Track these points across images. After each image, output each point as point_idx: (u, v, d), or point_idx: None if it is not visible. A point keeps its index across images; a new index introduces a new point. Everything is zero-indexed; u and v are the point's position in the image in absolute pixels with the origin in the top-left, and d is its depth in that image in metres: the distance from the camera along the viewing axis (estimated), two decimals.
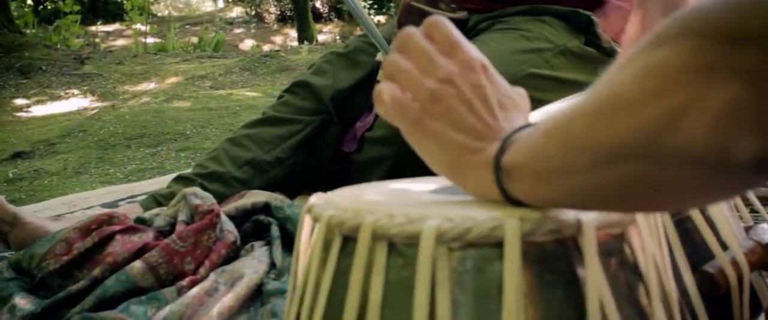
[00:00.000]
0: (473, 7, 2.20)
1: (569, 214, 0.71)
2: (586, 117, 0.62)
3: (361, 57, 2.19)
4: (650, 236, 0.81)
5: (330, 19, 15.65)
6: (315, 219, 0.82)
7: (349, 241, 0.76)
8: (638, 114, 0.57)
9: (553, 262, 0.71)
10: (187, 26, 15.29)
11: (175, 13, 17.93)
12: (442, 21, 0.84)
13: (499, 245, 0.70)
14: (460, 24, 2.11)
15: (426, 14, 2.05)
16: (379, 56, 2.09)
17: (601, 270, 0.72)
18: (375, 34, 2.04)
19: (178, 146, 3.54)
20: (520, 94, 0.82)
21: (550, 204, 0.70)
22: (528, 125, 0.75)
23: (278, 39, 14.08)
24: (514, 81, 2.00)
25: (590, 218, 0.72)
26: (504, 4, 2.17)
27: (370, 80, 2.13)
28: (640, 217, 0.79)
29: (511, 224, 0.69)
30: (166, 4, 17.90)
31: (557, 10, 2.11)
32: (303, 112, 2.12)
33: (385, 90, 0.82)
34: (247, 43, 13.99)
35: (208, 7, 18.25)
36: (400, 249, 0.72)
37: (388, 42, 2.13)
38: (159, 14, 16.32)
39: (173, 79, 6.28)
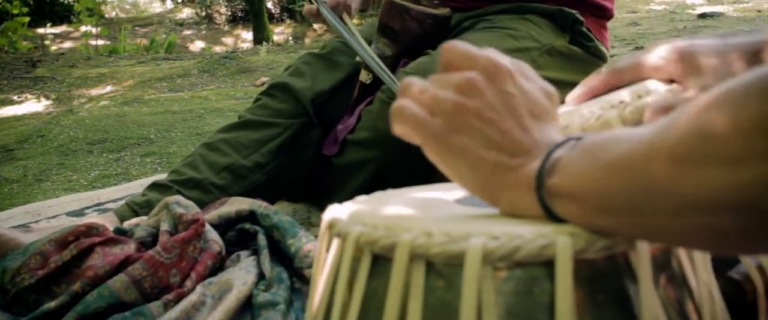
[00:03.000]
0: (456, 5, 2.16)
1: None
2: (672, 162, 0.57)
3: (340, 58, 2.14)
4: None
5: (282, 20, 15.61)
6: (340, 236, 0.76)
7: (379, 260, 0.71)
8: (743, 172, 0.52)
9: (605, 280, 0.67)
10: (136, 28, 15.18)
11: (122, 15, 17.82)
12: (454, 43, 0.77)
13: (547, 264, 0.65)
14: (442, 21, 2.07)
15: (408, 11, 2.02)
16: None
17: (653, 289, 0.68)
18: (355, 41, 2.00)
19: (142, 151, 3.45)
20: (548, 93, 0.77)
21: (604, 231, 0.65)
22: (568, 139, 0.69)
23: (229, 40, 14.01)
24: None
25: None
26: (487, 2, 2.13)
27: (350, 82, 2.08)
28: None
29: (562, 242, 0.64)
30: (114, 5, 17.76)
31: (542, 8, 2.07)
32: (282, 115, 2.06)
33: (402, 106, 0.74)
34: (198, 45, 13.93)
35: (156, 8, 18.14)
36: (440, 269, 0.67)
37: (369, 42, 2.08)
38: (106, 16, 16.17)
39: (130, 82, 6.17)
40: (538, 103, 0.75)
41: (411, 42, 2.01)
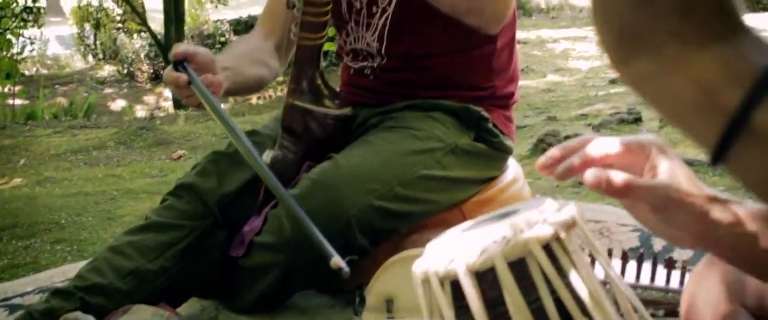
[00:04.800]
0: (361, 101, 2.19)
1: None
2: None
3: None
4: None
5: None
6: None
7: None
8: None
9: None
10: (57, 86, 14.95)
11: (43, 71, 17.53)
12: None
13: None
14: (344, 121, 2.09)
15: (310, 112, 2.03)
16: (265, 156, 2.03)
17: None
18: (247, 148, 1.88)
19: (52, 237, 3.38)
20: None
21: None
22: None
23: (151, 99, 13.88)
24: (406, 184, 2.00)
25: None
26: (393, 97, 2.16)
27: (256, 182, 2.06)
28: None
29: None
30: (34, 61, 17.47)
31: (447, 105, 2.10)
32: (187, 217, 2.04)
33: None
34: (119, 104, 13.77)
35: (77, 62, 17.89)
36: None
37: (274, 142, 2.08)
38: (27, 73, 15.91)
39: (45, 155, 6.04)
40: None
41: (314, 143, 2.02)
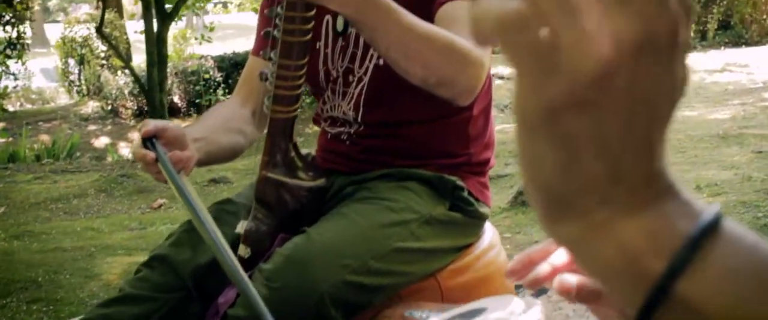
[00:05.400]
0: (337, 169, 2.18)
1: None
2: None
3: (221, 227, 2.10)
4: None
5: (188, 114, 15.58)
6: None
7: None
8: None
9: None
10: (40, 123, 14.95)
11: (28, 105, 17.53)
12: None
13: None
14: (318, 193, 2.07)
15: (283, 184, 2.01)
16: (239, 227, 2.02)
17: None
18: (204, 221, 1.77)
19: (28, 296, 3.34)
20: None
21: None
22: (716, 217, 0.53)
23: (135, 135, 13.87)
24: (380, 257, 1.99)
25: None
26: (369, 165, 2.15)
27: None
28: None
29: None
30: (18, 95, 17.45)
31: (422, 175, 2.09)
32: (161, 289, 2.01)
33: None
34: (103, 141, 13.77)
35: (62, 97, 17.89)
36: None
37: (249, 211, 2.06)
38: (10, 108, 15.91)
39: (25, 203, 5.99)
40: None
41: (288, 216, 2.01)
